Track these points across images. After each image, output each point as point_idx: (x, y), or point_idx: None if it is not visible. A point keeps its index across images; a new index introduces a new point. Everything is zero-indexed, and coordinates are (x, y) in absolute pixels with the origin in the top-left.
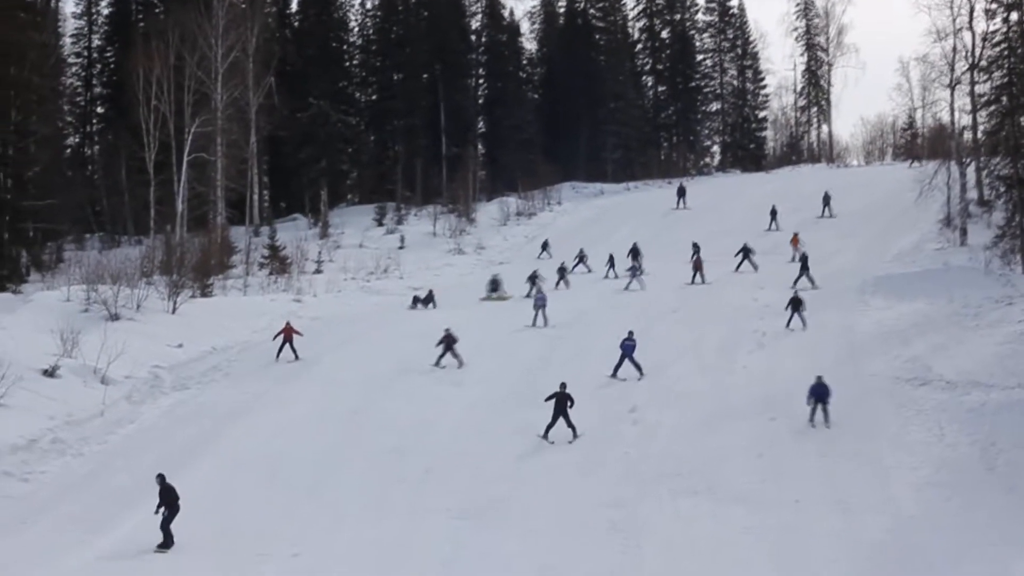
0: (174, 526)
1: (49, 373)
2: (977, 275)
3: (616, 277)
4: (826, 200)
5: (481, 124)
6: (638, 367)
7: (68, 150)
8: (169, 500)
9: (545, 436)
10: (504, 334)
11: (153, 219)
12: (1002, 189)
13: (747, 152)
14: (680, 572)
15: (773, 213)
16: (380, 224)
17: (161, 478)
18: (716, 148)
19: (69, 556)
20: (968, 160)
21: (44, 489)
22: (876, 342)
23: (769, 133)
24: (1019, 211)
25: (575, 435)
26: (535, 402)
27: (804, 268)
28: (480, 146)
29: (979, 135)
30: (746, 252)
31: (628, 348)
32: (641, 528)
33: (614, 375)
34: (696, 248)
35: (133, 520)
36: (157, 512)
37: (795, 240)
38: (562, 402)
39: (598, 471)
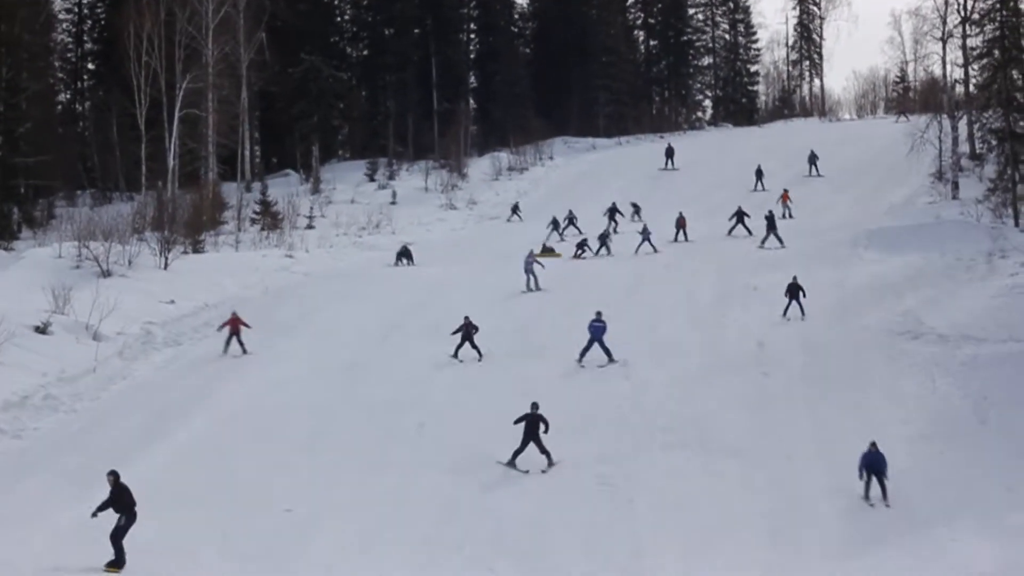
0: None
1: (41, 330)
2: (969, 228)
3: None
4: (812, 159)
5: (473, 79)
6: (608, 352)
7: (59, 107)
8: (124, 504)
9: (512, 463)
10: (498, 289)
11: (144, 175)
12: (994, 143)
13: (739, 106)
14: (671, 526)
15: (759, 173)
16: (372, 179)
17: (114, 477)
18: (708, 103)
19: (63, 512)
20: (960, 114)
21: (37, 446)
22: (868, 295)
23: (761, 87)
24: (1011, 164)
25: (550, 463)
26: (529, 356)
27: (771, 227)
28: (472, 101)
29: (971, 88)
30: (740, 216)
31: (597, 331)
32: (633, 483)
33: (580, 360)
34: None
35: (126, 477)
36: (96, 515)
37: (785, 196)
38: (533, 425)
39: (590, 426)
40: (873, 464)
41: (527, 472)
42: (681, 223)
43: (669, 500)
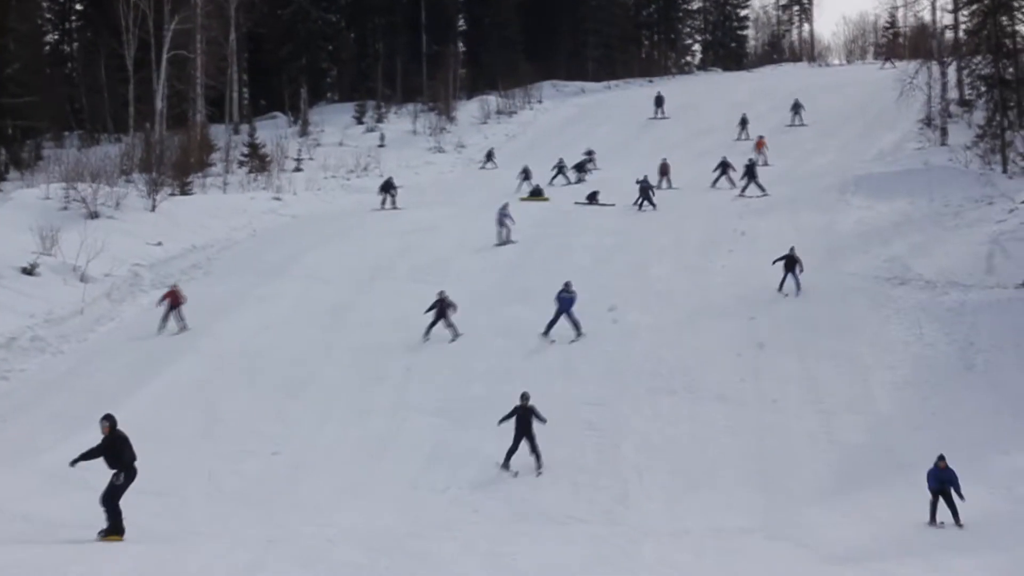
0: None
1: (28, 271)
2: (957, 174)
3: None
4: (796, 108)
5: (462, 22)
6: (576, 325)
7: (47, 48)
8: (120, 457)
9: (506, 465)
10: (486, 232)
11: (132, 117)
12: (983, 89)
13: (728, 51)
14: (657, 470)
15: (743, 122)
16: (360, 122)
17: (110, 424)
18: (697, 47)
19: (49, 453)
20: (949, 60)
21: (24, 387)
22: (856, 241)
23: (750, 32)
24: (999, 111)
25: (539, 465)
26: (516, 300)
27: (751, 176)
28: (461, 44)
29: (960, 34)
30: (724, 167)
31: (565, 302)
32: (620, 427)
33: (546, 334)
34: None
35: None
36: (75, 464)
37: (760, 143)
38: (524, 420)
39: (577, 370)
40: (943, 481)
41: (516, 475)
42: (664, 170)
43: (655, 444)
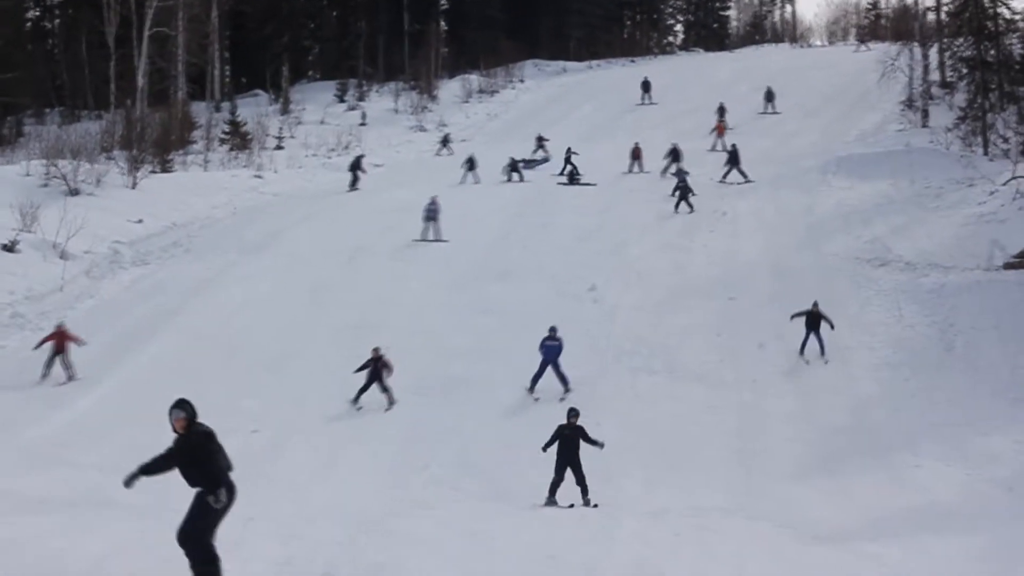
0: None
1: (8, 248)
2: (938, 156)
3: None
4: (769, 96)
5: (444, 0)
6: (564, 380)
7: (28, 24)
8: (210, 466)
9: (551, 500)
10: (466, 211)
11: (113, 94)
12: (964, 71)
13: (710, 31)
14: (637, 449)
15: (721, 111)
16: (342, 100)
17: (187, 416)
18: (679, 27)
19: (28, 429)
20: (931, 41)
21: (3, 364)
22: (837, 222)
23: (732, 12)
24: (981, 93)
25: (586, 499)
26: (495, 279)
27: (734, 161)
28: (443, 23)
29: (942, 16)
30: (675, 154)
31: (551, 351)
32: (600, 406)
33: (531, 390)
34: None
35: (92, 395)
36: (131, 483)
37: (720, 128)
38: (572, 445)
39: None
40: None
41: (571, 506)
42: (636, 153)
43: (635, 423)
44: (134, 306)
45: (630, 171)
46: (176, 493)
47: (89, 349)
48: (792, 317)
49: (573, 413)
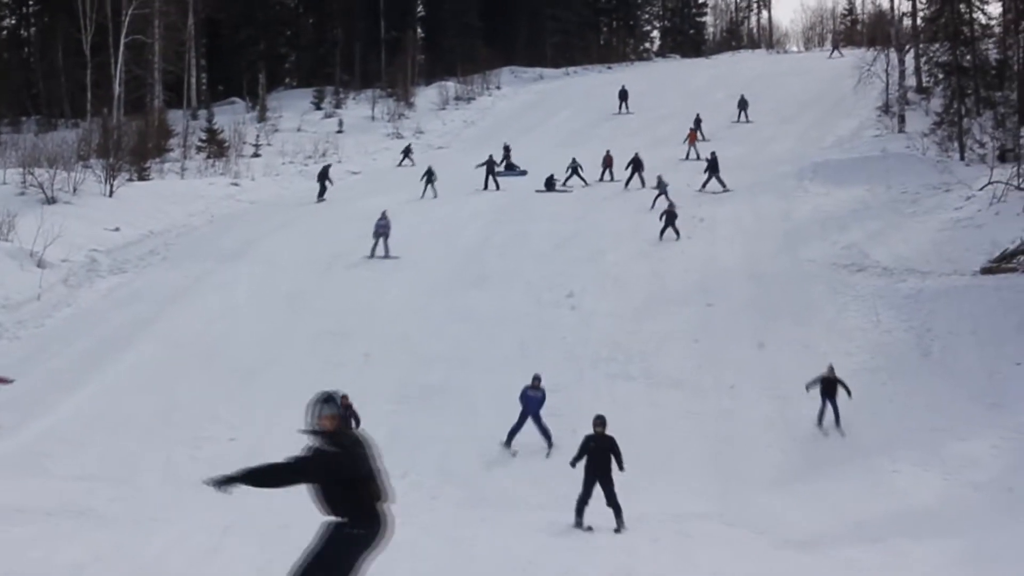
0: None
1: None
2: (915, 162)
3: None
4: (743, 104)
5: (420, 7)
6: (546, 434)
7: (4, 32)
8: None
9: (579, 523)
10: (443, 217)
11: (90, 102)
12: (940, 76)
13: (686, 38)
14: None
15: (697, 122)
16: (318, 108)
17: (335, 414)
18: (655, 33)
19: (5, 440)
20: (907, 47)
21: None
22: (814, 228)
23: (709, 19)
24: (957, 98)
25: (620, 524)
26: (473, 285)
27: (713, 169)
28: (419, 30)
29: (919, 21)
30: (636, 165)
31: (532, 402)
32: (577, 413)
33: (508, 444)
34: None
35: (70, 404)
36: (225, 484)
37: (692, 136)
38: (602, 457)
39: (535, 356)
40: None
41: (590, 530)
42: (608, 162)
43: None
44: (111, 314)
45: (601, 179)
46: (152, 506)
47: (67, 357)
48: (807, 387)
49: (599, 421)
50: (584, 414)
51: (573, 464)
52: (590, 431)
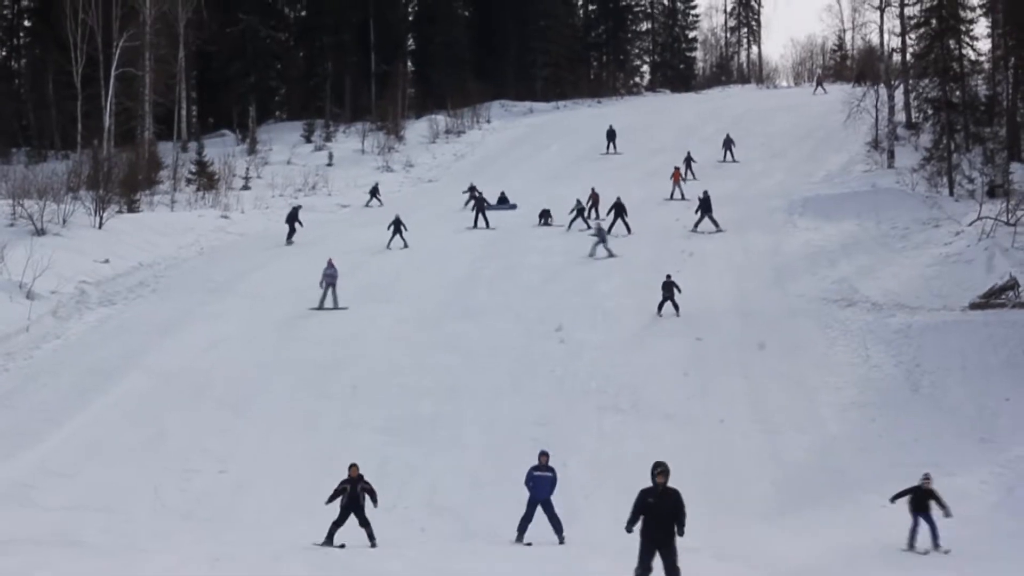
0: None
1: None
2: (904, 197)
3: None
4: (728, 144)
5: (411, 41)
6: (557, 525)
7: None
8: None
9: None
10: (433, 249)
11: (80, 134)
12: (930, 111)
13: (676, 72)
14: (605, 488)
15: (688, 161)
16: (308, 141)
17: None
18: (646, 68)
19: None
20: (897, 82)
21: None
22: (803, 263)
23: (699, 53)
24: (946, 134)
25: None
26: (463, 317)
27: (706, 208)
28: (410, 63)
29: (908, 57)
30: (579, 211)
31: (541, 486)
32: (567, 445)
33: (520, 538)
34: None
35: (59, 435)
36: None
37: (676, 175)
38: (664, 518)
39: (524, 388)
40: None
41: None
42: (594, 199)
43: (602, 462)
44: (100, 346)
45: (587, 215)
46: (140, 538)
47: (56, 389)
48: (893, 499)
49: (661, 471)
50: (574, 447)
51: (629, 528)
52: (647, 483)
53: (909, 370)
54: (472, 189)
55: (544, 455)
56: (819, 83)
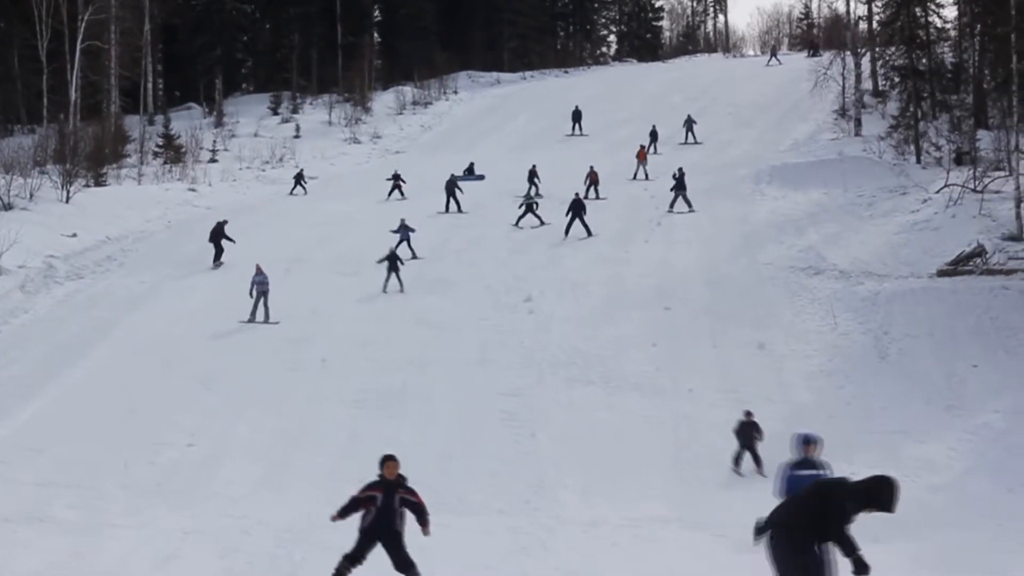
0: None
1: None
2: (871, 165)
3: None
4: (689, 124)
5: (377, 12)
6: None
7: None
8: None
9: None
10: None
11: (46, 108)
12: (897, 79)
13: (643, 42)
14: (574, 460)
15: (653, 135)
16: (275, 113)
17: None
18: (612, 38)
19: None
20: (863, 50)
21: None
22: (770, 231)
23: (665, 23)
24: (913, 102)
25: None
26: (430, 290)
27: (680, 188)
28: (376, 35)
29: (875, 25)
30: (528, 207)
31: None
32: (537, 417)
33: None
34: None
35: (27, 410)
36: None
37: (642, 154)
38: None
39: (493, 361)
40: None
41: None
42: (592, 178)
43: (572, 434)
44: (69, 320)
45: (586, 197)
46: (110, 513)
47: (24, 364)
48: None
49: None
50: (543, 419)
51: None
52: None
53: (877, 337)
54: (396, 177)
55: (812, 443)
56: (773, 54)
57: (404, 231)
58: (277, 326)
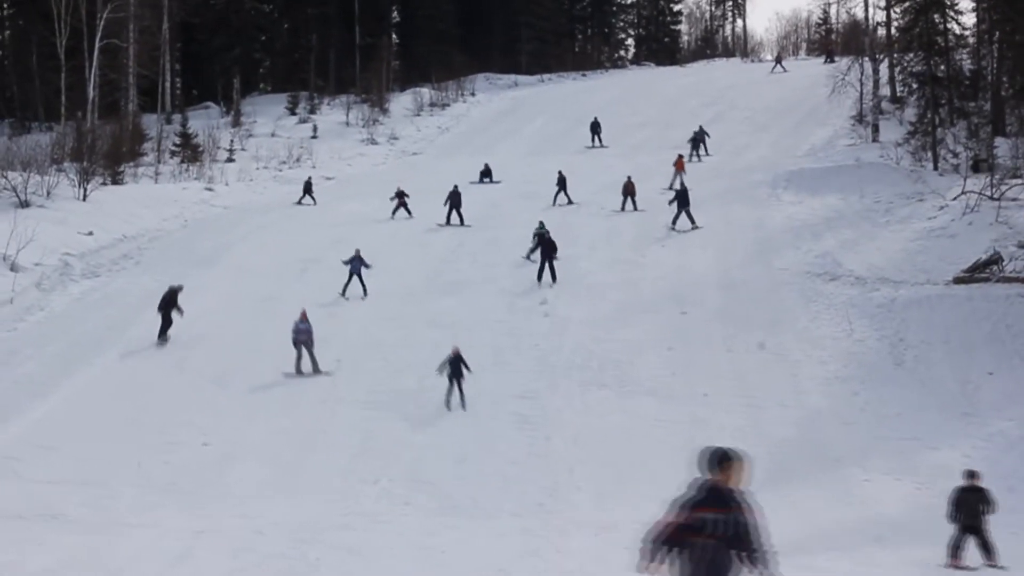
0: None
1: None
2: (889, 171)
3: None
4: (698, 138)
5: (396, 14)
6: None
7: None
8: None
9: None
10: (416, 223)
11: (64, 106)
12: (915, 86)
13: (661, 46)
14: (588, 463)
15: (695, 141)
16: (293, 113)
17: None
18: (630, 41)
19: None
20: (881, 56)
21: None
22: (787, 237)
23: (684, 27)
24: (931, 108)
25: None
26: (445, 292)
27: (683, 203)
28: (394, 36)
29: (893, 31)
30: (561, 183)
31: None
32: (551, 420)
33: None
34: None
35: (42, 407)
36: None
37: (680, 163)
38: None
39: (508, 364)
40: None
41: None
42: (629, 190)
43: (586, 437)
44: (84, 318)
45: (623, 209)
46: (123, 511)
47: (40, 361)
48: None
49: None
50: (557, 422)
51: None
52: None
53: (892, 344)
54: (400, 194)
55: None
56: (778, 61)
57: (357, 263)
58: (327, 375)
